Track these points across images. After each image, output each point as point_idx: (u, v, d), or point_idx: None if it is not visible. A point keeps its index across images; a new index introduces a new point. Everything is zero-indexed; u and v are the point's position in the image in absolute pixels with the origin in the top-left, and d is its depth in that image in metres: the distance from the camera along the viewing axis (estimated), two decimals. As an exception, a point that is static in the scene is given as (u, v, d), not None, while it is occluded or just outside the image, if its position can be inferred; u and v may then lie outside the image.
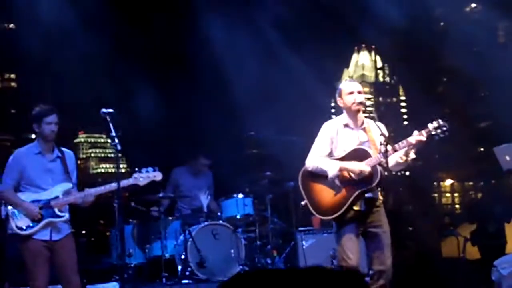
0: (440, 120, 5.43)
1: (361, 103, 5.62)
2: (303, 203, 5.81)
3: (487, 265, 7.54)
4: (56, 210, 5.91)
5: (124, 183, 6.01)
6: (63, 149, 6.16)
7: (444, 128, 5.39)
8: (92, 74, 11.55)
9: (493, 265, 7.35)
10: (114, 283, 7.61)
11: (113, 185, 5.93)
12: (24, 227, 5.85)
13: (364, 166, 5.46)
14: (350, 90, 5.69)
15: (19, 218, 5.86)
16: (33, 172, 5.94)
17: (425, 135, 5.40)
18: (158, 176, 6.17)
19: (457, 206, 30.20)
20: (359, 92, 5.68)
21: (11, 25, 13.03)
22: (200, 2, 11.33)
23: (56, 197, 5.92)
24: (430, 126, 5.41)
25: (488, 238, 10.08)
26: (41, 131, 5.98)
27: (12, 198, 5.90)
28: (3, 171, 6.02)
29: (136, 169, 6.11)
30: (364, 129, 5.67)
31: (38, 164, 5.97)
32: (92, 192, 5.98)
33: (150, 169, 6.12)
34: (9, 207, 5.90)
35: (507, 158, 7.68)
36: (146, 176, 6.10)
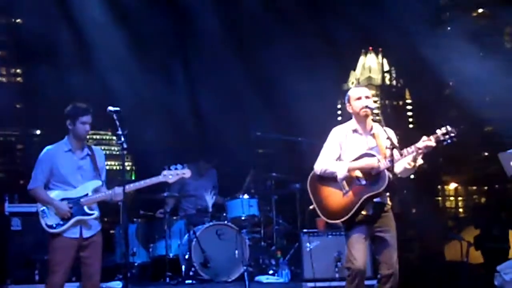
0: (448, 126, 5.44)
1: (367, 107, 5.64)
2: (311, 207, 5.83)
3: (490, 270, 7.55)
4: (86, 208, 5.93)
5: (154, 180, 6.08)
6: (93, 147, 6.20)
7: (453, 134, 5.40)
8: (99, 70, 11.55)
9: (496, 270, 7.35)
10: (118, 282, 7.61)
11: (142, 183, 6.03)
12: (54, 225, 5.88)
13: (373, 160, 5.49)
14: (358, 95, 5.73)
15: (49, 216, 5.89)
16: (63, 169, 5.96)
17: (433, 140, 5.40)
18: (187, 173, 6.19)
19: (461, 210, 30.18)
20: (367, 97, 5.71)
21: (18, 20, 13.01)
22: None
23: (86, 195, 5.95)
24: (439, 131, 5.42)
25: (492, 242, 10.07)
26: (74, 130, 6.00)
27: (43, 195, 5.92)
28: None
29: (165, 166, 6.12)
30: (373, 135, 5.70)
31: (69, 162, 6.00)
32: (121, 190, 5.93)
33: (179, 166, 6.14)
34: (39, 205, 5.95)
35: (512, 164, 7.67)
36: (175, 173, 6.12)
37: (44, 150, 6.07)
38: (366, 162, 5.53)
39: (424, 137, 5.46)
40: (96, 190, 6.00)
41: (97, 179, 6.04)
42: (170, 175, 6.11)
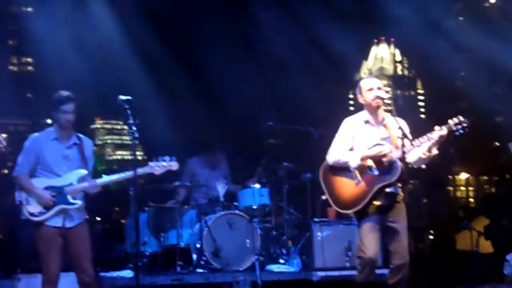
0: (460, 117, 5.43)
1: (379, 97, 5.63)
2: (323, 197, 5.84)
3: (500, 259, 7.54)
4: (69, 197, 5.84)
5: (140, 171, 5.96)
6: (81, 136, 6.09)
7: (465, 125, 5.39)
8: (110, 60, 11.55)
9: (505, 260, 7.34)
10: (128, 271, 7.60)
11: (128, 173, 5.90)
12: (36, 213, 5.79)
13: (384, 147, 5.50)
14: (370, 86, 5.72)
15: (31, 204, 5.81)
16: (49, 158, 5.87)
17: (445, 130, 5.39)
18: (174, 166, 6.12)
19: (471, 200, 30.15)
20: (379, 88, 5.70)
21: (29, 9, 13.01)
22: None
23: (70, 184, 5.86)
24: (451, 122, 5.41)
25: (501, 232, 10.05)
26: (57, 119, 5.92)
27: (26, 183, 5.83)
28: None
29: (154, 157, 6.08)
30: (385, 126, 5.70)
31: (55, 150, 5.91)
32: (102, 181, 5.94)
33: (166, 158, 6.08)
34: (22, 193, 5.86)
35: (522, 153, 7.65)
36: (161, 165, 6.06)
37: (30, 137, 5.99)
38: (378, 149, 5.53)
39: (437, 127, 5.44)
40: (81, 180, 5.89)
41: (83, 169, 5.94)
42: (157, 167, 6.04)
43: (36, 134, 6.00)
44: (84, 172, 5.93)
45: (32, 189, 5.81)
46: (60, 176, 5.88)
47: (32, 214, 5.80)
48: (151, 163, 6.05)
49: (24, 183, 5.84)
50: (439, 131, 5.41)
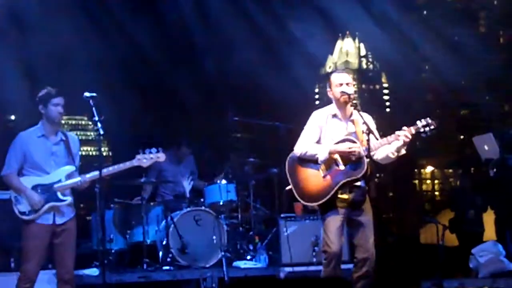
0: (429, 119, 5.52)
1: (344, 93, 5.66)
2: (287, 188, 5.85)
3: (465, 253, 7.63)
4: (59, 193, 5.85)
5: (127, 164, 6.02)
6: (67, 132, 6.11)
7: (432, 127, 5.48)
8: (74, 57, 11.45)
9: (471, 253, 7.44)
10: (94, 269, 7.53)
11: (116, 167, 5.94)
12: (27, 212, 5.79)
13: (354, 144, 5.55)
14: (339, 82, 5.75)
15: (22, 203, 5.81)
16: (36, 155, 5.86)
17: (413, 131, 5.47)
18: (161, 157, 6.12)
19: (437, 193, 30.49)
20: (347, 84, 5.73)
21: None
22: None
23: (59, 181, 5.87)
24: (419, 123, 5.51)
25: (467, 226, 10.17)
26: (47, 113, 5.90)
27: (15, 183, 5.83)
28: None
29: (140, 150, 6.06)
30: (352, 121, 5.74)
31: (42, 148, 5.90)
32: (91, 176, 5.92)
33: (153, 150, 6.08)
34: (12, 192, 5.87)
35: (486, 147, 7.76)
36: (149, 157, 6.07)
37: (18, 136, 5.97)
38: (348, 146, 5.57)
39: (405, 128, 5.51)
40: (69, 176, 5.91)
41: (71, 165, 5.95)
42: (144, 159, 6.05)
43: (22, 132, 5.98)
44: (72, 168, 5.95)
45: (22, 190, 5.80)
46: (48, 173, 5.88)
47: (22, 213, 5.80)
48: (138, 156, 6.06)
49: (14, 182, 5.84)
50: (407, 132, 5.47)
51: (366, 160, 5.52)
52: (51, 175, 5.88)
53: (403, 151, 5.60)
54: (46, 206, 5.80)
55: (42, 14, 10.50)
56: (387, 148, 5.59)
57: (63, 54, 11.22)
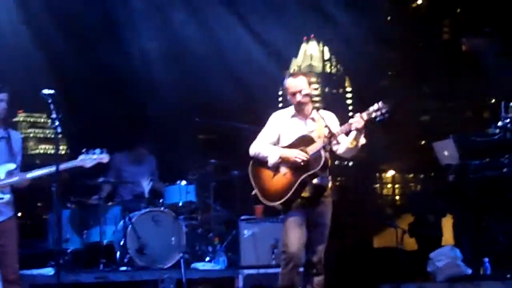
0: (380, 103, 5.48)
1: (303, 103, 5.69)
2: (253, 193, 5.84)
3: (424, 257, 7.71)
4: None
5: (69, 165, 5.91)
6: (10, 130, 6.00)
7: (384, 110, 5.43)
8: (32, 53, 11.33)
9: (429, 257, 7.51)
10: (50, 269, 7.43)
11: (55, 168, 5.78)
12: None
13: (300, 153, 5.58)
14: (293, 90, 5.75)
15: None
16: None
17: (366, 116, 5.45)
18: (105, 158, 6.03)
19: (397, 197, 30.79)
20: (300, 92, 5.71)
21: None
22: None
23: None
24: (371, 108, 5.48)
25: (426, 230, 10.26)
26: None
27: None
28: None
29: (83, 150, 5.99)
30: (312, 119, 5.76)
31: None
32: (32, 174, 5.82)
33: (97, 150, 5.99)
34: None
35: (445, 153, 7.84)
36: (91, 158, 5.97)
37: None
38: (296, 154, 5.59)
39: (357, 114, 5.51)
40: (9, 174, 5.80)
41: (12, 162, 5.84)
42: (87, 159, 5.97)
43: None
44: (12, 166, 5.84)
45: None
46: None
47: None
48: (80, 156, 5.97)
49: None
50: (359, 118, 5.46)
51: (324, 154, 5.55)
52: None
53: (362, 140, 5.60)
54: None
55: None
56: (346, 139, 5.61)
57: (21, 51, 11.10)
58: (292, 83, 5.79)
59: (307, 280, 5.72)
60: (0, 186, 5.75)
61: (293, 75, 5.93)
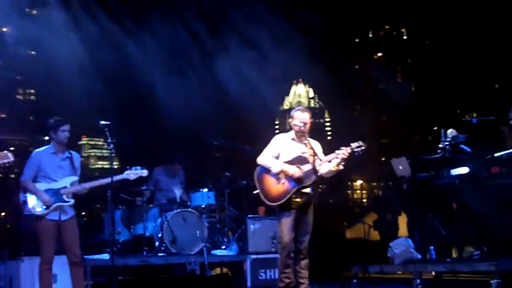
0: (360, 141, 5.61)
1: (303, 133, 5.72)
2: (255, 192, 5.86)
3: (385, 245, 7.65)
4: (64, 196, 5.84)
5: (117, 178, 5.99)
6: (72, 151, 6.07)
7: (363, 147, 5.57)
8: (93, 91, 11.36)
9: (389, 246, 7.46)
10: (106, 255, 7.41)
11: (107, 180, 5.88)
12: (39, 209, 5.77)
13: (296, 170, 5.62)
14: (301, 120, 5.77)
15: (35, 202, 5.78)
16: (48, 167, 5.86)
17: (349, 150, 5.54)
18: (144, 173, 6.12)
19: (364, 200, 30.67)
20: (305, 124, 5.76)
21: (33, 52, 12.71)
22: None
23: (65, 187, 5.85)
24: (353, 144, 5.57)
25: (386, 225, 10.20)
26: (57, 137, 5.90)
27: (31, 187, 5.81)
28: (25, 164, 5.91)
29: (128, 167, 6.04)
30: (305, 144, 5.75)
31: (52, 162, 5.90)
32: (89, 185, 5.92)
33: (138, 167, 6.07)
34: (28, 194, 5.82)
35: (400, 167, 7.80)
36: (135, 172, 6.05)
37: (34, 152, 5.99)
38: (294, 170, 5.63)
39: (342, 147, 5.56)
40: (72, 184, 5.91)
41: (74, 176, 5.94)
42: (131, 174, 6.04)
43: (38, 150, 6.00)
44: (75, 178, 5.94)
45: (36, 191, 5.80)
46: (56, 181, 5.87)
47: (35, 210, 5.77)
48: (126, 172, 6.05)
49: (30, 187, 5.82)
50: (344, 151, 5.53)
51: (312, 173, 5.58)
52: (58, 182, 5.87)
53: (341, 167, 5.65)
54: (54, 205, 5.78)
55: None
56: (328, 164, 5.66)
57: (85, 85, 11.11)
58: (300, 116, 5.79)
59: (296, 263, 5.71)
60: (66, 193, 5.85)
61: (302, 110, 5.90)
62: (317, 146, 5.77)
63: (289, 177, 5.64)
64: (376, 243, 9.22)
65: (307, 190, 5.67)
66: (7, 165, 5.35)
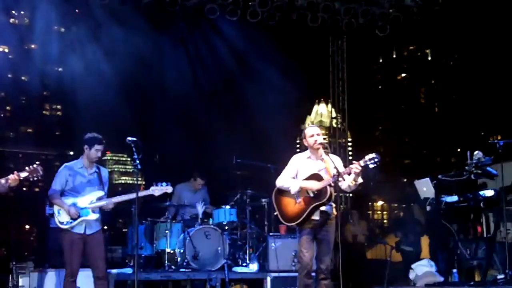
0: (373, 153, 5.51)
1: (320, 143, 5.72)
2: (275, 213, 5.88)
3: (407, 267, 7.58)
4: (90, 211, 5.87)
5: (143, 193, 6.03)
6: (100, 166, 6.15)
7: (376, 159, 5.44)
8: (117, 108, 11.53)
9: (411, 268, 7.39)
10: (129, 269, 7.52)
11: (134, 195, 5.90)
12: (65, 222, 5.83)
13: (316, 184, 5.60)
14: (311, 133, 5.81)
15: (61, 215, 5.84)
16: (76, 181, 5.93)
17: (362, 164, 5.46)
18: (169, 189, 6.16)
19: (385, 221, 30.37)
20: (318, 134, 5.78)
21: (60, 69, 13.00)
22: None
23: (91, 201, 5.90)
24: (366, 157, 5.50)
25: (408, 246, 10.09)
26: (89, 153, 5.96)
27: (58, 200, 5.88)
28: (52, 178, 5.99)
29: (154, 183, 6.08)
30: (322, 160, 5.76)
31: (81, 176, 5.97)
32: (115, 199, 5.96)
33: (164, 183, 6.12)
34: (54, 207, 5.88)
35: (424, 189, 7.76)
36: (160, 188, 6.10)
37: (63, 166, 6.03)
38: (312, 184, 5.62)
39: (355, 161, 5.54)
40: (99, 198, 5.94)
41: (101, 190, 5.98)
42: (156, 190, 6.08)
43: (67, 164, 6.05)
44: (102, 193, 5.98)
45: (63, 205, 5.85)
46: (83, 195, 5.91)
47: (61, 223, 5.84)
48: (152, 187, 6.09)
49: (57, 200, 5.88)
50: (357, 164, 5.47)
51: (330, 189, 5.55)
52: (85, 196, 5.90)
53: (360, 180, 5.58)
54: (80, 219, 5.82)
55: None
56: (348, 179, 5.58)
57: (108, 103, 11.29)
58: (310, 131, 5.84)
59: (318, 283, 5.66)
60: (92, 207, 5.88)
61: (310, 126, 6.02)
62: (337, 161, 5.74)
63: (307, 195, 5.63)
64: (398, 265, 9.14)
65: (325, 208, 5.64)
66: (36, 178, 5.47)
